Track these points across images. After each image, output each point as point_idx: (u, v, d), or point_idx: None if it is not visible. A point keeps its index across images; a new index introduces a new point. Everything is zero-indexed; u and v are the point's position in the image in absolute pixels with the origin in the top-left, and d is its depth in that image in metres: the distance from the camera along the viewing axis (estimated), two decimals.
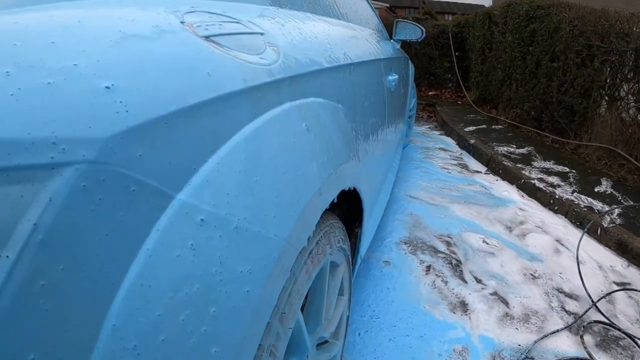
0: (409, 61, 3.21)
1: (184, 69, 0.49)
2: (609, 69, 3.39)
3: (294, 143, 0.63)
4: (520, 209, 2.62)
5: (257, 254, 0.50)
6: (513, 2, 4.38)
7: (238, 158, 0.51)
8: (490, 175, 3.21)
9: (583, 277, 1.86)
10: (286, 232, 0.56)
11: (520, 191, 2.89)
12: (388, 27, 2.78)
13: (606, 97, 3.45)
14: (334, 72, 0.90)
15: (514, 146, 3.58)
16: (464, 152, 3.80)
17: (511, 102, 4.43)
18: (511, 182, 3.01)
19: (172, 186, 0.43)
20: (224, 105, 0.51)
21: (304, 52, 0.79)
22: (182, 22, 0.55)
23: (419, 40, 2.93)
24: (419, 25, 2.89)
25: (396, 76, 1.88)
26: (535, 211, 2.61)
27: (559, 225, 2.43)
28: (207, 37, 0.56)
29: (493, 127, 4.29)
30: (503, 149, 3.48)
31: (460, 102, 5.80)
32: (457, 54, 6.06)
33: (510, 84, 4.45)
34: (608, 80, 3.42)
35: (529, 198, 2.79)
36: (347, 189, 0.84)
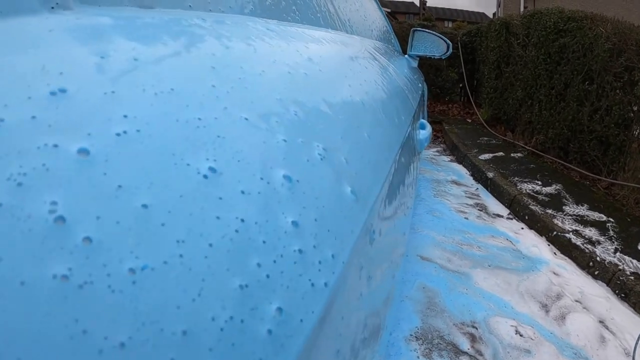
0: (423, 81, 2.65)
1: None
2: None
3: None
4: (555, 273, 2.10)
5: None
6: (538, 11, 3.84)
7: None
8: (514, 221, 2.68)
9: None
10: None
11: (551, 246, 2.37)
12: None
13: None
14: None
15: (539, 182, 3.04)
16: (480, 186, 3.27)
17: (532, 126, 3.90)
18: (540, 233, 2.49)
19: None
20: None
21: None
22: None
23: (443, 58, 2.37)
24: (444, 38, 2.30)
25: (428, 130, 1.33)
26: (572, 275, 2.09)
27: (601, 297, 1.94)
28: None
29: (512, 155, 3.76)
30: (527, 187, 2.95)
31: (470, 120, 5.27)
32: (467, 66, 5.53)
33: (531, 105, 3.92)
34: None
35: (563, 256, 2.27)
36: None
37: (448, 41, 2.25)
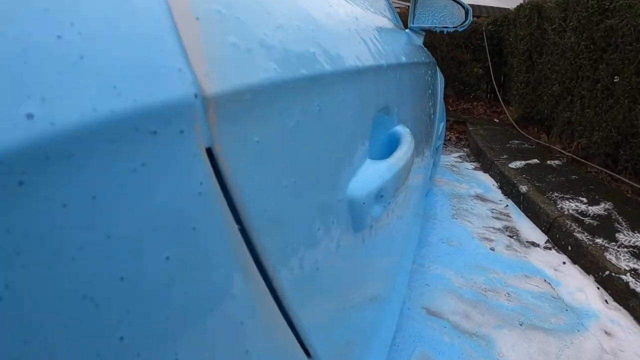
0: (437, 69, 2.06)
1: None
2: None
3: None
4: (607, 332, 1.56)
5: None
6: None
7: None
8: (554, 251, 2.12)
9: None
10: None
11: (601, 289, 1.81)
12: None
13: None
14: None
15: (585, 200, 2.45)
16: (510, 203, 2.70)
17: (572, 128, 3.28)
18: (587, 271, 1.92)
19: None
20: None
21: None
22: None
23: (460, 31, 1.78)
24: (461, 1, 1.68)
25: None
26: (628, 335, 1.56)
27: None
28: None
29: (548, 162, 3.16)
30: (570, 205, 2.36)
31: (497, 120, 4.68)
32: (493, 59, 4.93)
33: (571, 102, 3.30)
34: None
35: (616, 305, 1.72)
36: None
37: (466, 5, 1.67)
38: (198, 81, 0.26)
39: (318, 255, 0.43)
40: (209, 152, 0.27)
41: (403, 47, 1.07)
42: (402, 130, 0.75)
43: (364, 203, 0.50)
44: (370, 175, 0.53)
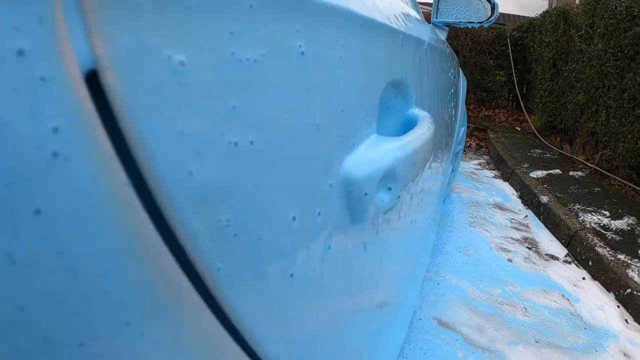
0: (460, 70, 2.00)
1: None
2: None
3: None
4: (626, 354, 1.51)
5: None
6: None
7: None
8: (573, 266, 2.06)
9: None
10: None
11: (621, 308, 1.74)
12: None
13: None
14: None
15: (607, 213, 2.38)
16: (530, 213, 2.64)
17: (596, 139, 3.19)
18: (607, 288, 1.86)
19: None
20: None
21: None
22: None
23: (485, 26, 1.71)
24: None
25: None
26: None
27: None
28: None
29: (570, 173, 3.08)
30: (591, 219, 2.29)
31: (519, 129, 4.58)
32: (517, 66, 4.83)
33: (596, 111, 3.21)
34: None
35: (638, 326, 1.66)
36: None
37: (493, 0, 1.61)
38: None
39: (292, 256, 0.33)
40: (91, 77, 0.19)
41: (424, 30, 0.94)
42: (420, 113, 0.66)
43: (364, 186, 0.39)
44: (375, 152, 0.42)
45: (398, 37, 0.57)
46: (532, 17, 4.89)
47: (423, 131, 0.55)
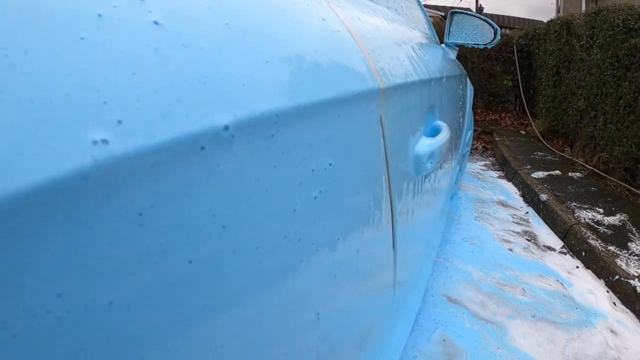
0: (468, 80, 2.28)
1: None
2: None
3: None
4: (612, 331, 1.72)
5: None
6: (604, 8, 3.35)
7: None
8: (568, 256, 2.28)
9: None
10: None
11: (610, 293, 1.97)
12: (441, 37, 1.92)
13: None
14: None
15: (601, 210, 2.61)
16: (530, 210, 2.87)
17: (594, 142, 3.41)
18: (598, 275, 2.09)
19: None
20: None
21: None
22: None
23: (489, 47, 1.99)
24: (490, 21, 1.91)
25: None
26: (633, 336, 1.71)
27: None
28: None
29: (569, 174, 3.31)
30: (586, 215, 2.52)
31: (523, 132, 4.79)
32: (522, 72, 5.04)
33: (595, 117, 3.44)
34: None
35: (624, 309, 1.87)
36: None
37: (495, 25, 1.87)
38: (376, 80, 0.52)
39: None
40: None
41: (441, 62, 1.34)
42: (442, 123, 1.06)
43: (422, 158, 0.80)
44: (426, 144, 0.84)
45: (430, 82, 0.97)
46: (539, 23, 5.09)
47: (444, 135, 0.94)
